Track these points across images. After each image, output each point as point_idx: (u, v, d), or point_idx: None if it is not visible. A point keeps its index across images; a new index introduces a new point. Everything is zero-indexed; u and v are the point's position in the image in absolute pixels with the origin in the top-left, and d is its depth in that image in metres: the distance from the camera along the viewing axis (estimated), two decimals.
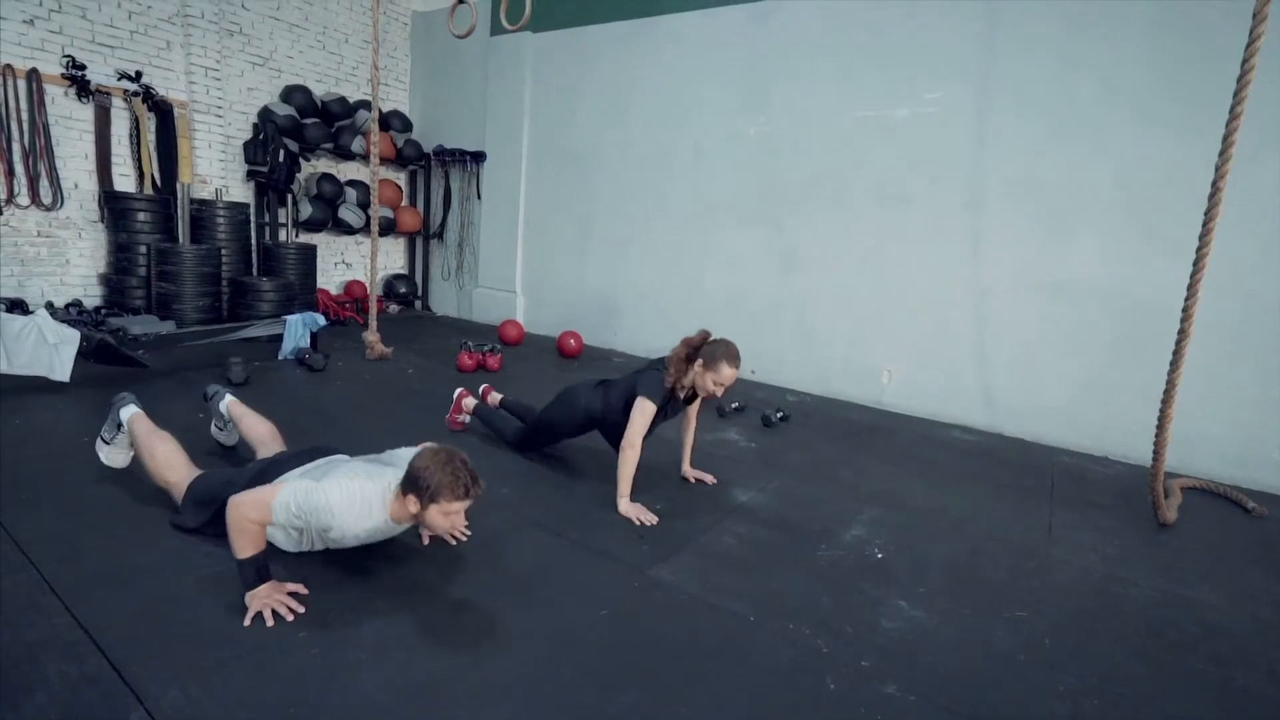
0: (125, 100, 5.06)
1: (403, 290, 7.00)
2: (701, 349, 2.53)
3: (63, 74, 4.74)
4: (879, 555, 2.35)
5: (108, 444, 2.34)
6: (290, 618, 1.68)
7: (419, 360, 4.76)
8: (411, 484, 1.75)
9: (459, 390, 3.36)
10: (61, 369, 3.32)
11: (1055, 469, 3.45)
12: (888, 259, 4.41)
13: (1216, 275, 2.96)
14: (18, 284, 4.76)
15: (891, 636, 1.87)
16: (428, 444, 1.90)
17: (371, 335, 4.71)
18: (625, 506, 2.49)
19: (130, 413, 2.30)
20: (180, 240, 5.20)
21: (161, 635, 1.60)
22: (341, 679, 1.52)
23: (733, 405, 4.02)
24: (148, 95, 5.09)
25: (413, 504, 1.76)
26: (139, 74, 5.08)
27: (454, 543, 2.16)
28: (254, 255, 5.79)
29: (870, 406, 4.47)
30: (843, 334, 4.63)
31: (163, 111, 5.21)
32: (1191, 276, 2.56)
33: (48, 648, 1.52)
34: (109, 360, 3.64)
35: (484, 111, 6.44)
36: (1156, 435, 2.74)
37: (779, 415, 3.88)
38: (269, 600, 1.69)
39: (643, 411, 2.52)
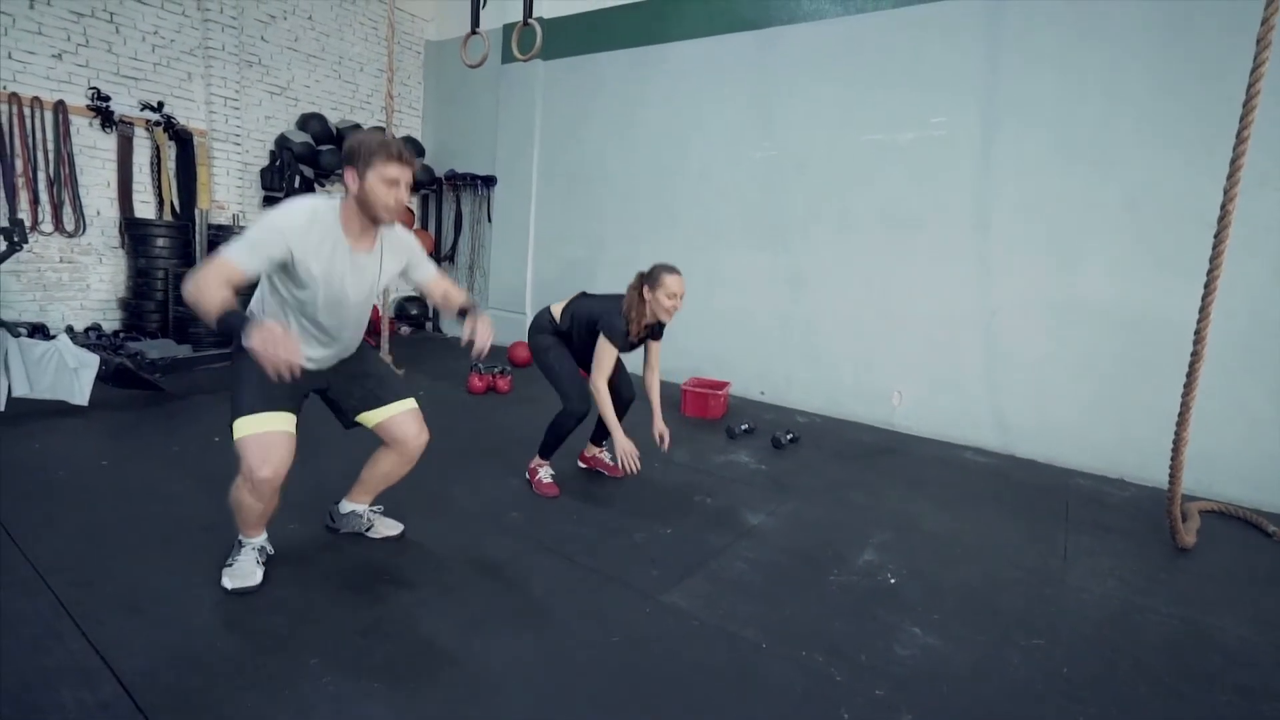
0: (147, 129, 5.19)
1: (414, 312, 7.07)
2: (646, 278, 2.70)
3: (88, 105, 4.88)
4: (892, 580, 2.33)
5: (230, 566, 1.99)
6: (294, 371, 1.59)
7: (430, 382, 4.79)
8: (347, 159, 1.78)
9: (528, 474, 3.03)
10: (81, 393, 3.37)
11: (1070, 491, 3.41)
12: (896, 280, 4.42)
13: (1228, 297, 2.95)
14: (40, 309, 4.85)
15: (906, 664, 1.84)
16: None
17: (384, 357, 4.76)
18: (620, 439, 2.62)
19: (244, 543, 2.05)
20: (198, 265, 5.29)
21: (176, 663, 1.61)
22: (353, 708, 1.52)
23: (742, 427, 4.01)
24: (169, 125, 5.23)
25: (352, 180, 1.79)
26: (161, 104, 5.22)
27: (470, 334, 2.05)
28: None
29: (881, 428, 4.45)
30: (852, 355, 4.63)
31: (183, 140, 5.34)
32: (1203, 299, 2.54)
33: (64, 674, 1.53)
34: (127, 384, 3.70)
35: (495, 137, 6.55)
36: (1172, 458, 2.71)
37: (789, 437, 3.86)
38: (271, 347, 1.56)
39: (605, 353, 2.65)
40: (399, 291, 7.21)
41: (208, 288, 1.63)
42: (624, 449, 2.67)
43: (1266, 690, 1.85)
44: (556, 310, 2.92)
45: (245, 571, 1.96)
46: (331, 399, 2.13)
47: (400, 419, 2.12)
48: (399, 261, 2.06)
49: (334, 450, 3.02)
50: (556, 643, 1.83)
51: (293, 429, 1.90)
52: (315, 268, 1.81)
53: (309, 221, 1.78)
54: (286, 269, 1.80)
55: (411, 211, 7.11)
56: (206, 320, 1.64)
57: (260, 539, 2.03)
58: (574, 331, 2.86)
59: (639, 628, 1.93)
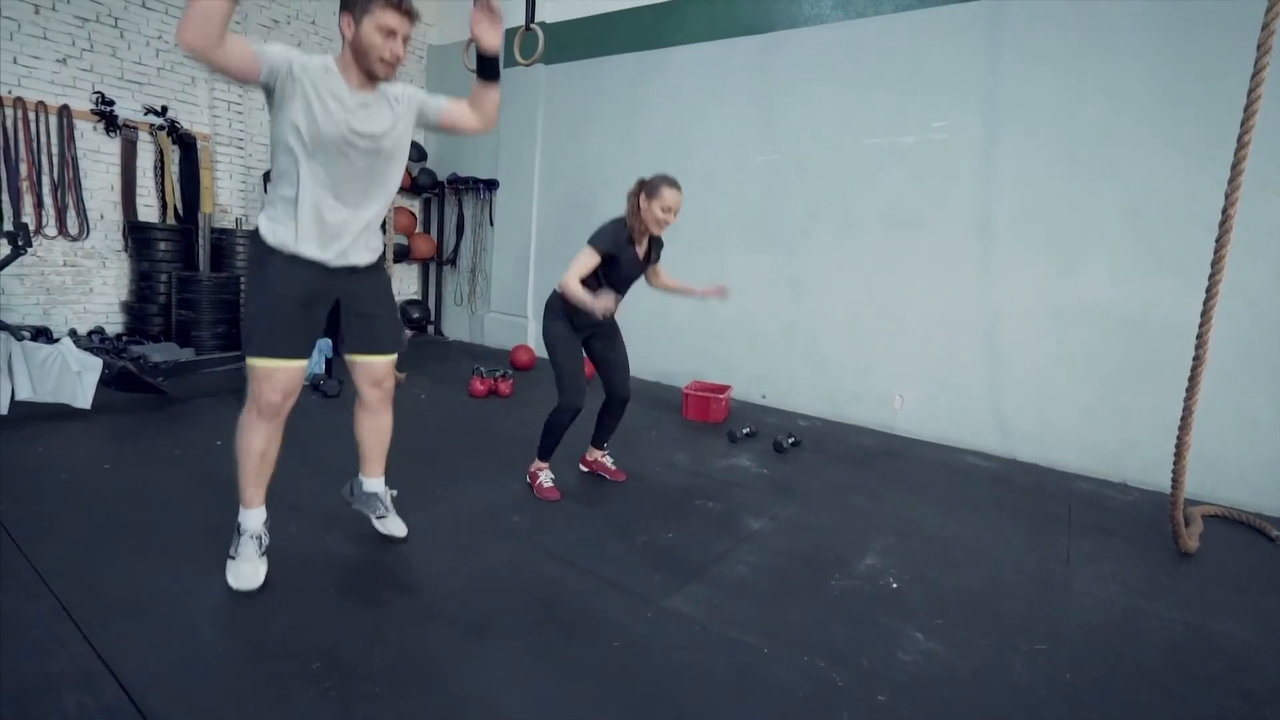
0: (151, 134, 5.21)
1: (416, 316, 7.08)
2: (644, 185, 2.64)
3: (92, 110, 4.90)
4: (894, 585, 2.33)
5: (234, 559, 1.98)
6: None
7: (431, 385, 4.80)
8: (343, 3, 1.72)
9: (529, 477, 3.03)
10: (84, 396, 3.38)
11: (1072, 496, 3.41)
12: (897, 284, 4.42)
13: (1230, 300, 2.96)
14: (43, 312, 4.87)
15: (908, 670, 1.84)
16: None
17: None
18: (593, 301, 2.52)
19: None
20: (200, 269, 5.31)
21: (179, 667, 1.61)
22: (355, 713, 1.52)
23: (744, 431, 4.01)
24: (172, 129, 5.25)
25: (348, 25, 1.72)
26: (165, 109, 5.24)
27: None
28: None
29: (882, 432, 4.44)
30: (853, 359, 4.63)
31: (186, 144, 5.36)
32: (1205, 303, 2.54)
33: (66, 678, 1.53)
34: (130, 388, 3.71)
35: (497, 140, 6.57)
36: (1175, 463, 2.71)
37: (790, 441, 3.86)
38: None
39: (579, 259, 2.58)
40: (400, 295, 7.22)
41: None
42: (602, 305, 2.52)
43: (1270, 695, 1.84)
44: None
45: (248, 571, 1.95)
46: (339, 321, 2.04)
47: (375, 361, 2.10)
48: (410, 109, 1.96)
49: (334, 452, 3.03)
50: (557, 648, 1.83)
51: (305, 367, 1.93)
52: (315, 94, 1.74)
53: (309, 58, 1.74)
54: (287, 98, 1.73)
55: (414, 215, 7.12)
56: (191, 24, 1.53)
57: (259, 519, 2.00)
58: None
59: (640, 633, 1.93)
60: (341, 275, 1.96)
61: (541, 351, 6.11)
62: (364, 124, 1.84)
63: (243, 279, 5.35)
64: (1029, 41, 3.87)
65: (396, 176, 2.03)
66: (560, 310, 2.81)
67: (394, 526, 2.30)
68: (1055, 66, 3.80)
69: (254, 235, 1.92)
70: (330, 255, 1.91)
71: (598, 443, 3.18)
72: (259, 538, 2.01)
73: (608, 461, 3.21)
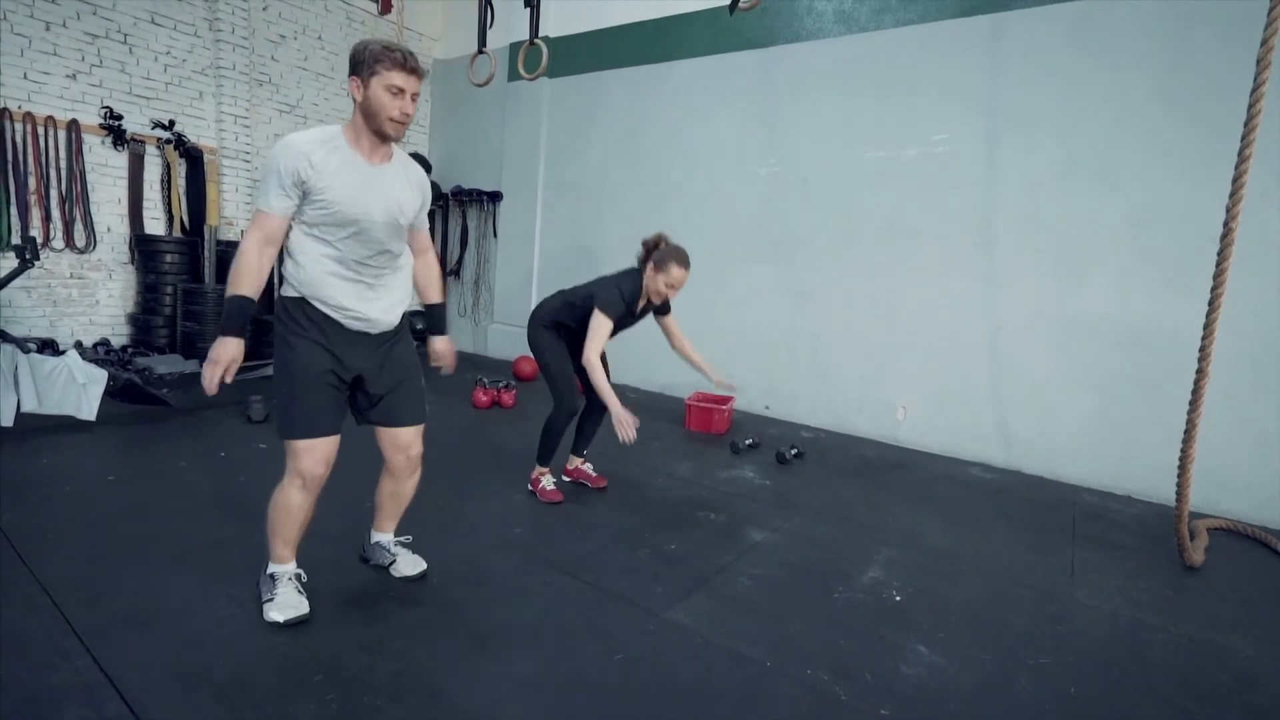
0: (158, 147, 5.27)
1: (419, 327, 7.09)
2: (653, 253, 2.64)
3: (100, 124, 4.96)
4: (897, 598, 2.32)
5: (273, 600, 1.92)
6: (211, 389, 1.71)
7: (434, 396, 4.81)
8: (353, 64, 1.73)
9: (529, 482, 3.09)
10: (89, 408, 3.40)
11: (1076, 508, 3.39)
12: (900, 296, 4.43)
13: (1233, 313, 2.96)
14: (49, 324, 4.90)
15: (911, 684, 1.83)
16: None
17: None
18: (618, 411, 2.55)
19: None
20: (206, 281, 5.34)
21: (181, 680, 1.61)
22: None
23: (746, 442, 4.01)
24: (179, 142, 5.31)
25: (356, 88, 1.73)
26: (172, 123, 5.30)
27: (440, 364, 2.18)
28: (276, 295, 5.92)
29: (886, 443, 4.43)
30: (856, 370, 4.63)
31: (193, 158, 5.42)
32: (1207, 316, 2.54)
33: (69, 691, 1.54)
34: (135, 400, 3.73)
35: (500, 153, 6.62)
36: (1179, 476, 2.70)
37: (793, 452, 3.86)
38: (214, 365, 1.72)
39: (599, 327, 2.59)
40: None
41: (248, 256, 1.73)
42: (621, 418, 2.56)
43: (1276, 711, 1.82)
44: (556, 303, 2.92)
45: (292, 602, 1.89)
46: (362, 399, 2.02)
47: (400, 430, 2.08)
48: (417, 193, 1.96)
49: (338, 470, 3.03)
50: (559, 660, 1.83)
51: (338, 440, 1.93)
52: (330, 179, 1.75)
53: (316, 139, 1.76)
54: (308, 194, 1.75)
55: None
56: (230, 281, 1.74)
57: (292, 566, 1.96)
58: (574, 317, 2.85)
59: (642, 645, 1.92)
60: (364, 343, 1.94)
61: None
62: (381, 200, 1.85)
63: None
64: (1030, 55, 3.90)
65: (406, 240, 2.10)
66: (547, 322, 2.89)
67: (405, 567, 2.22)
68: (1057, 80, 3.82)
69: (276, 312, 1.94)
70: (364, 323, 1.92)
71: (578, 450, 3.21)
72: (296, 575, 1.98)
73: (588, 469, 3.24)
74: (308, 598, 1.94)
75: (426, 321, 2.20)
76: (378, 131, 1.79)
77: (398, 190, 1.89)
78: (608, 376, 2.76)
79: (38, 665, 1.62)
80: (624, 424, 2.56)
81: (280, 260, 1.89)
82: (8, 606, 1.84)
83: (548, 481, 3.01)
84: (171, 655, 1.70)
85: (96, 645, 1.70)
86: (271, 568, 1.95)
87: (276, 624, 1.86)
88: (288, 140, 1.73)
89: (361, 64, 1.72)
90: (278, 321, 1.92)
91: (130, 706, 1.50)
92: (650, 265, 2.67)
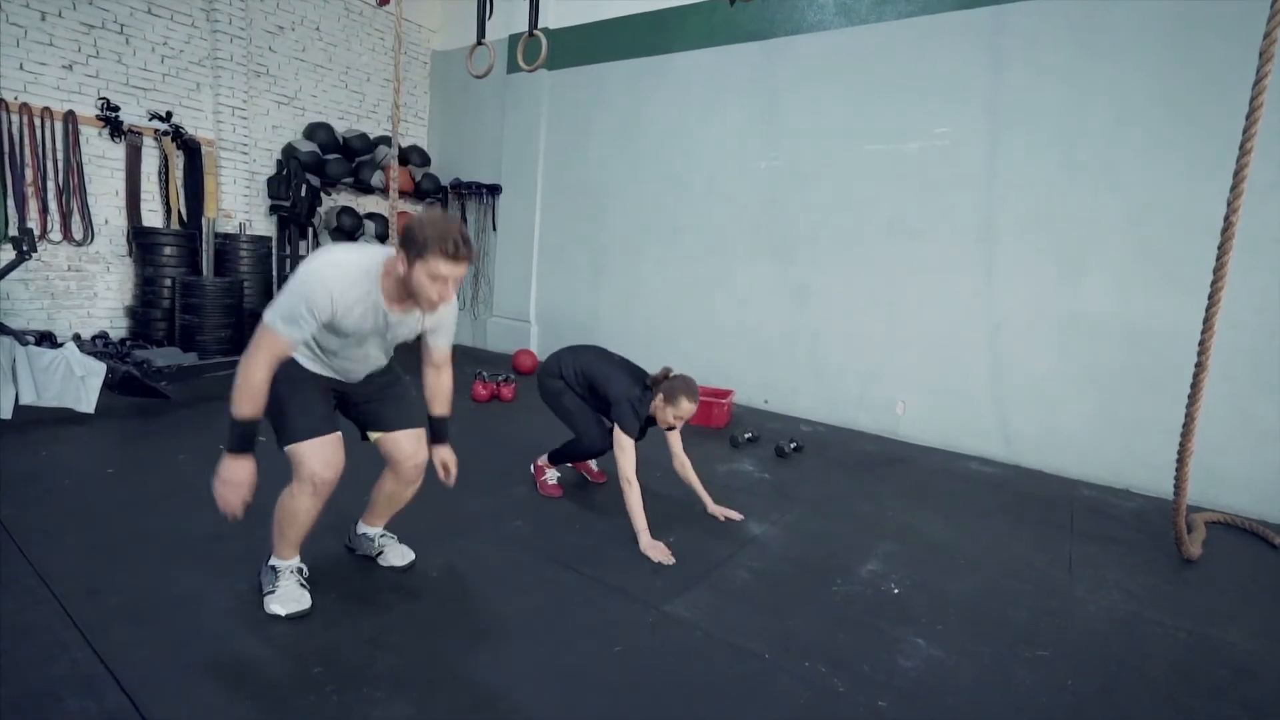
0: (155, 139, 5.24)
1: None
2: (661, 384, 2.64)
3: (97, 115, 4.93)
4: (896, 591, 2.33)
5: (275, 593, 1.93)
6: (230, 517, 1.67)
7: None
8: (405, 239, 1.68)
9: (532, 469, 3.14)
10: (88, 401, 3.39)
11: (1075, 502, 3.40)
12: (900, 291, 4.42)
13: (1234, 308, 2.96)
14: (47, 317, 4.89)
15: (909, 676, 1.84)
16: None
17: None
18: (646, 543, 2.47)
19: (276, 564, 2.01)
20: (204, 273, 5.33)
21: (180, 672, 1.62)
22: (358, 716, 1.52)
23: (746, 436, 4.01)
24: (177, 134, 5.28)
25: (402, 262, 1.68)
26: (169, 114, 5.27)
27: (443, 474, 2.15)
28: (275, 287, 5.91)
29: (885, 437, 4.44)
30: (856, 365, 4.63)
31: (191, 149, 5.39)
32: (1207, 310, 2.54)
33: (69, 683, 1.54)
34: (133, 392, 3.72)
35: (500, 146, 6.59)
36: (1177, 469, 2.71)
37: (793, 446, 3.86)
38: (225, 488, 1.68)
39: (625, 448, 2.58)
40: None
41: (253, 377, 1.67)
42: (652, 555, 2.43)
43: (1274, 704, 1.83)
44: (572, 369, 2.90)
45: (294, 595, 1.91)
46: (351, 407, 2.08)
47: (400, 436, 2.09)
48: (434, 320, 2.01)
49: (350, 475, 3.03)
50: (559, 652, 1.83)
51: (341, 438, 1.93)
52: (349, 324, 1.76)
53: (352, 282, 1.71)
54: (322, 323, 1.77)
55: None
56: (234, 401, 1.68)
57: (295, 560, 1.97)
58: (582, 391, 2.87)
59: (642, 638, 1.93)
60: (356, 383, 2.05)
61: (544, 356, 6.13)
62: (389, 338, 1.91)
63: (245, 283, 5.37)
64: (1032, 49, 3.88)
65: None
66: (554, 372, 2.93)
67: (396, 557, 2.25)
68: (1058, 74, 3.81)
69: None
70: (341, 383, 2.01)
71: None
72: (299, 569, 1.99)
73: (592, 463, 3.26)
74: (309, 591, 1.94)
75: (430, 430, 2.14)
76: (412, 302, 1.79)
77: (412, 325, 1.91)
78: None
79: (38, 657, 1.62)
80: (659, 557, 2.42)
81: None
82: (8, 599, 1.85)
83: (551, 476, 3.04)
84: (171, 647, 1.70)
85: (96, 637, 1.71)
86: (274, 560, 1.95)
87: (277, 616, 1.86)
88: (324, 277, 1.67)
89: (411, 244, 1.66)
90: None
91: (130, 698, 1.50)
92: (660, 396, 2.64)
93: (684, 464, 2.87)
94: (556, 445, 3.03)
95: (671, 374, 2.68)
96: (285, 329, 1.68)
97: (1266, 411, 3.32)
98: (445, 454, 2.16)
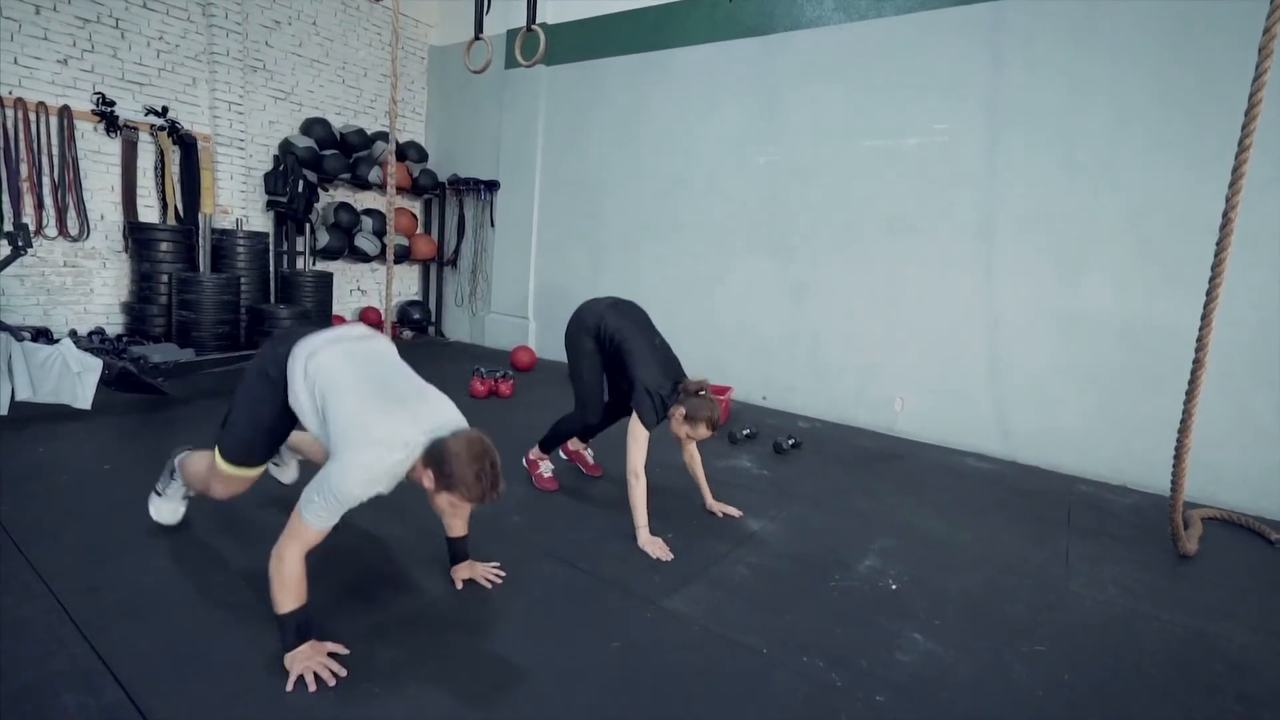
0: (151, 134, 5.22)
1: (417, 316, 7.08)
2: (689, 399, 2.51)
3: (93, 110, 4.90)
4: (893, 586, 2.33)
5: (160, 495, 2.27)
6: (332, 682, 1.59)
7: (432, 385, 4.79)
8: (435, 461, 1.65)
9: (525, 464, 3.11)
10: (84, 397, 3.38)
11: (1072, 498, 3.41)
12: (899, 287, 4.42)
13: (1232, 304, 2.96)
14: (43, 313, 4.87)
15: (907, 671, 1.84)
16: (467, 428, 1.77)
17: None
18: (645, 539, 2.46)
19: (184, 454, 2.25)
20: (201, 269, 5.31)
21: (178, 667, 1.62)
22: (356, 711, 1.52)
23: (744, 432, 4.01)
24: (173, 129, 5.25)
25: (427, 479, 1.67)
26: (165, 109, 5.24)
27: (485, 584, 2.13)
28: (272, 283, 5.89)
29: (883, 434, 4.44)
30: (854, 361, 4.63)
31: (187, 144, 5.36)
32: (1205, 306, 2.55)
33: (66, 678, 1.54)
34: (130, 388, 3.71)
35: (498, 141, 6.57)
36: (1174, 465, 2.71)
37: (791, 442, 3.86)
38: (310, 663, 1.61)
39: (639, 439, 2.50)
40: (402, 296, 7.22)
41: (292, 572, 1.64)
42: (651, 550, 2.43)
43: (1270, 698, 1.84)
44: (610, 319, 2.72)
45: (170, 510, 2.29)
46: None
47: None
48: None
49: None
50: (557, 648, 1.83)
51: (258, 477, 2.04)
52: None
53: (380, 484, 1.68)
54: None
55: (415, 216, 7.12)
56: (273, 600, 1.64)
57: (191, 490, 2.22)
58: (609, 355, 2.72)
59: (640, 633, 1.93)
60: None
61: (544, 355, 6.12)
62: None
63: (242, 279, 5.35)
64: (1031, 45, 3.88)
65: None
66: (590, 329, 2.75)
67: (284, 474, 2.56)
68: (1057, 70, 3.80)
69: (267, 350, 1.94)
70: None
71: (584, 436, 3.21)
72: (190, 497, 2.28)
73: (588, 455, 3.26)
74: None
75: (450, 550, 2.14)
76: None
77: None
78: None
79: (36, 653, 1.62)
80: (656, 554, 2.42)
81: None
82: (5, 595, 1.84)
83: (545, 469, 3.03)
84: (167, 643, 1.70)
85: (94, 633, 1.70)
86: (177, 478, 2.24)
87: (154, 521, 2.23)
88: (373, 476, 1.64)
89: (442, 474, 1.64)
90: (259, 358, 1.94)
91: (128, 693, 1.50)
92: (683, 411, 2.51)
93: (694, 456, 2.85)
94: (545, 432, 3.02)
95: (704, 391, 2.53)
96: (326, 523, 1.67)
97: (1264, 408, 3.33)
98: (465, 570, 2.13)
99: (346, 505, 1.65)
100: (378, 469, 1.64)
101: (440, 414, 1.79)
